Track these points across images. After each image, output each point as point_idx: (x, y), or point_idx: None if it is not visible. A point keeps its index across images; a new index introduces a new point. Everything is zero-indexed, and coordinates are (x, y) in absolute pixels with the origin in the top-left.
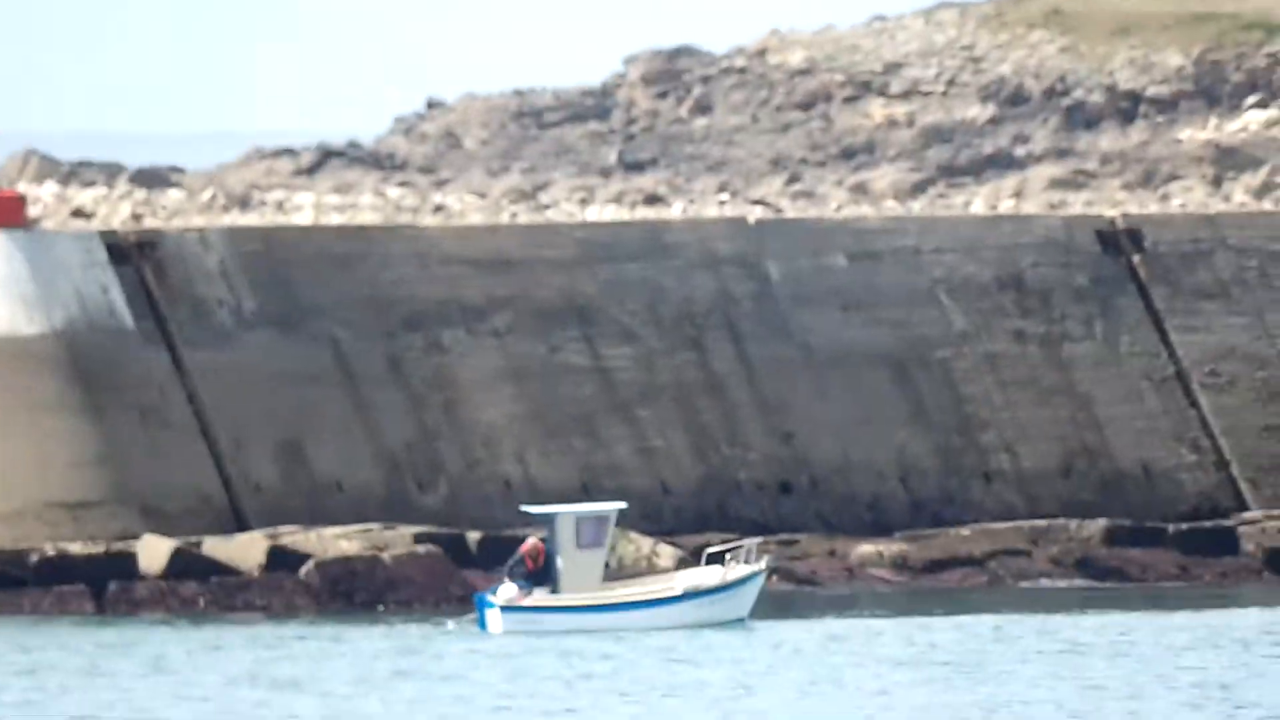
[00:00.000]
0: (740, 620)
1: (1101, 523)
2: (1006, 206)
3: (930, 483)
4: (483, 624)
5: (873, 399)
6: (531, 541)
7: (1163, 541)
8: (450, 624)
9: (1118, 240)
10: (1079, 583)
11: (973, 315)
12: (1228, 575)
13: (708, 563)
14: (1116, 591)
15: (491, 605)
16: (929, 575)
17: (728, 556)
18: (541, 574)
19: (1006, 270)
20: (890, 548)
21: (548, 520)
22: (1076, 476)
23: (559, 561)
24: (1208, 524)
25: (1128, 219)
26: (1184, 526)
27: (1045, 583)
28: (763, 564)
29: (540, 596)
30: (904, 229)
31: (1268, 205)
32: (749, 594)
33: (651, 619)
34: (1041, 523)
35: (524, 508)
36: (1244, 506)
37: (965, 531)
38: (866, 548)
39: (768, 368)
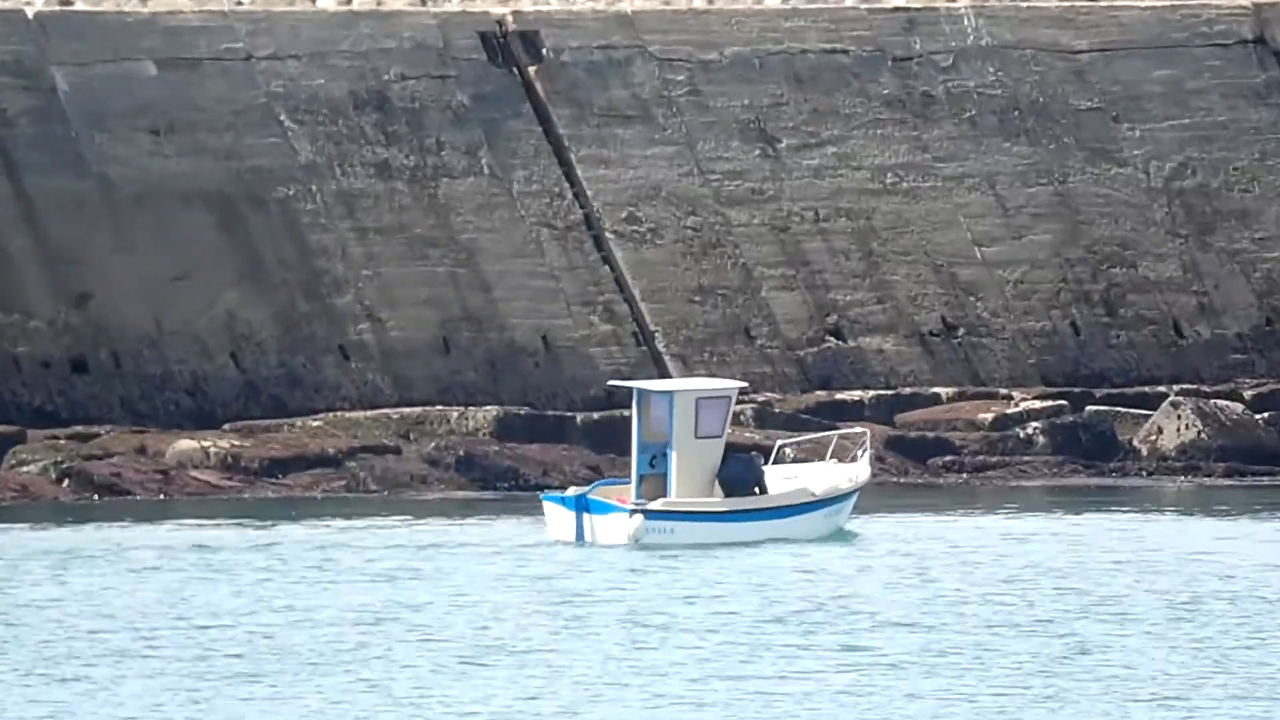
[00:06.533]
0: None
1: (492, 411)
2: (364, 2)
3: (270, 360)
4: (580, 535)
5: (193, 251)
6: None
7: (570, 435)
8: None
9: (508, 46)
10: (466, 493)
11: (322, 142)
12: None
13: (777, 460)
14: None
15: (609, 508)
16: (269, 479)
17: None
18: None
19: (365, 84)
20: (219, 443)
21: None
22: (459, 352)
23: (672, 453)
24: (622, 412)
25: (520, 19)
26: (595, 416)
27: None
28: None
29: (668, 501)
30: (231, 29)
31: (699, 2)
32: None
33: (796, 527)
34: (414, 410)
35: (614, 382)
36: None
37: (316, 422)
38: (187, 444)
39: (54, 210)
